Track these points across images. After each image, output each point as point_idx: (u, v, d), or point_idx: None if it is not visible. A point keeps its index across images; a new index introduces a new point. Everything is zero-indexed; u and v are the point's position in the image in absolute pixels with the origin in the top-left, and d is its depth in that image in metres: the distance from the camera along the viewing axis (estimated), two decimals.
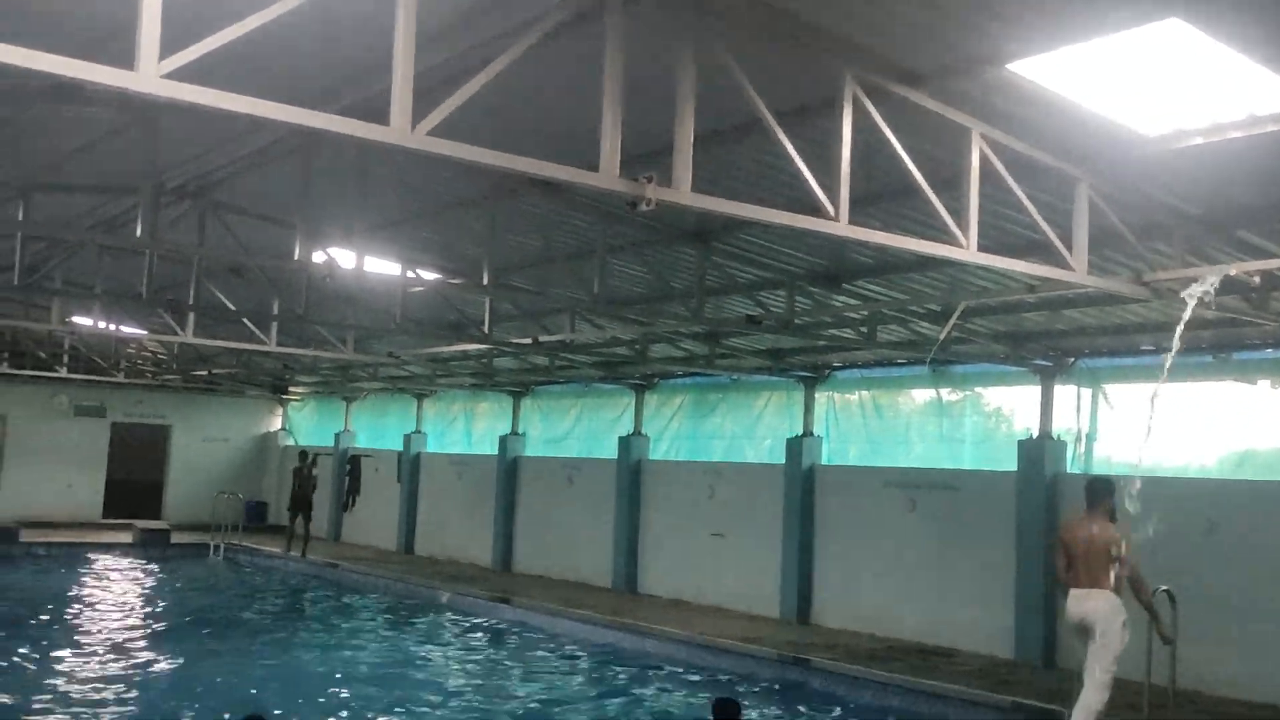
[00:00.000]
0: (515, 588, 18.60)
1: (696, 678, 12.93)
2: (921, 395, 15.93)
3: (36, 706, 10.39)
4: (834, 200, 6.69)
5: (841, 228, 6.76)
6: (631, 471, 19.50)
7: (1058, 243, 7.96)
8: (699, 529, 18.01)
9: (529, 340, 15.78)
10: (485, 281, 11.31)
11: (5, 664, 12.12)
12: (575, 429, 21.90)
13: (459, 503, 23.52)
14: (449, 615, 17.06)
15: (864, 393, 16.64)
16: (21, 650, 12.98)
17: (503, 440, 22.63)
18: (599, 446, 20.89)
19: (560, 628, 15.57)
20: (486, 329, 14.55)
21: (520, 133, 8.16)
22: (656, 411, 19.97)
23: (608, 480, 19.79)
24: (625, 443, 19.78)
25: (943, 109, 7.01)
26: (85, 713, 10.26)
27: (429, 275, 13.74)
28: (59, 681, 11.53)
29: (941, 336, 11.34)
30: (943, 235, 7.51)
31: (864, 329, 13.21)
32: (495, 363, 20.09)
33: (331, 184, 10.90)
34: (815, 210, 6.73)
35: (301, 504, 23.52)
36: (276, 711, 10.45)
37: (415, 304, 15.36)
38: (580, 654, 14.32)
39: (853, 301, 12.41)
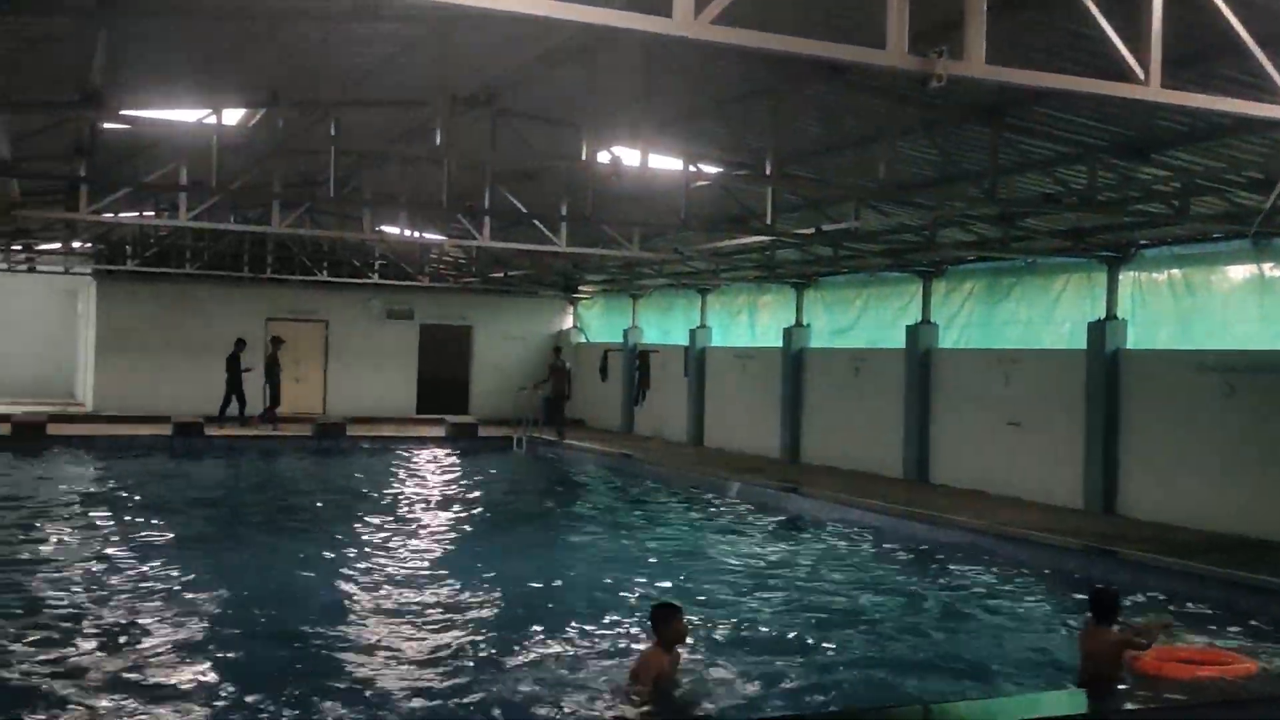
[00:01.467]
0: (804, 477, 18.73)
1: (994, 567, 12.70)
2: (1240, 272, 14.71)
3: (380, 583, 11.39)
4: (1143, 63, 6.20)
5: (1152, 92, 6.25)
6: (920, 361, 19.11)
7: None
8: (994, 418, 17.51)
9: (812, 230, 15.62)
10: (768, 172, 11.21)
11: (347, 548, 13.31)
12: (861, 319, 21.61)
13: (745, 395, 23.80)
14: (739, 504, 17.40)
15: (1174, 271, 15.54)
16: (362, 535, 14.22)
17: (787, 332, 22.64)
18: (885, 336, 20.57)
19: (852, 516, 15.60)
20: (769, 220, 14.47)
21: (802, 15, 7.98)
22: (945, 299, 19.41)
23: (896, 370, 19.50)
24: (913, 331, 19.38)
25: None
26: (418, 589, 11.16)
27: (711, 169, 13.78)
28: (392, 563, 12.58)
29: (1267, 206, 10.40)
30: (1269, 95, 6.83)
31: (1175, 202, 12.28)
32: (778, 255, 20.02)
33: (616, 83, 11.04)
34: (1122, 76, 6.26)
35: (557, 397, 25.48)
36: (574, 590, 11.06)
37: (698, 199, 15.45)
38: (873, 542, 14.32)
39: (1162, 173, 11.55)
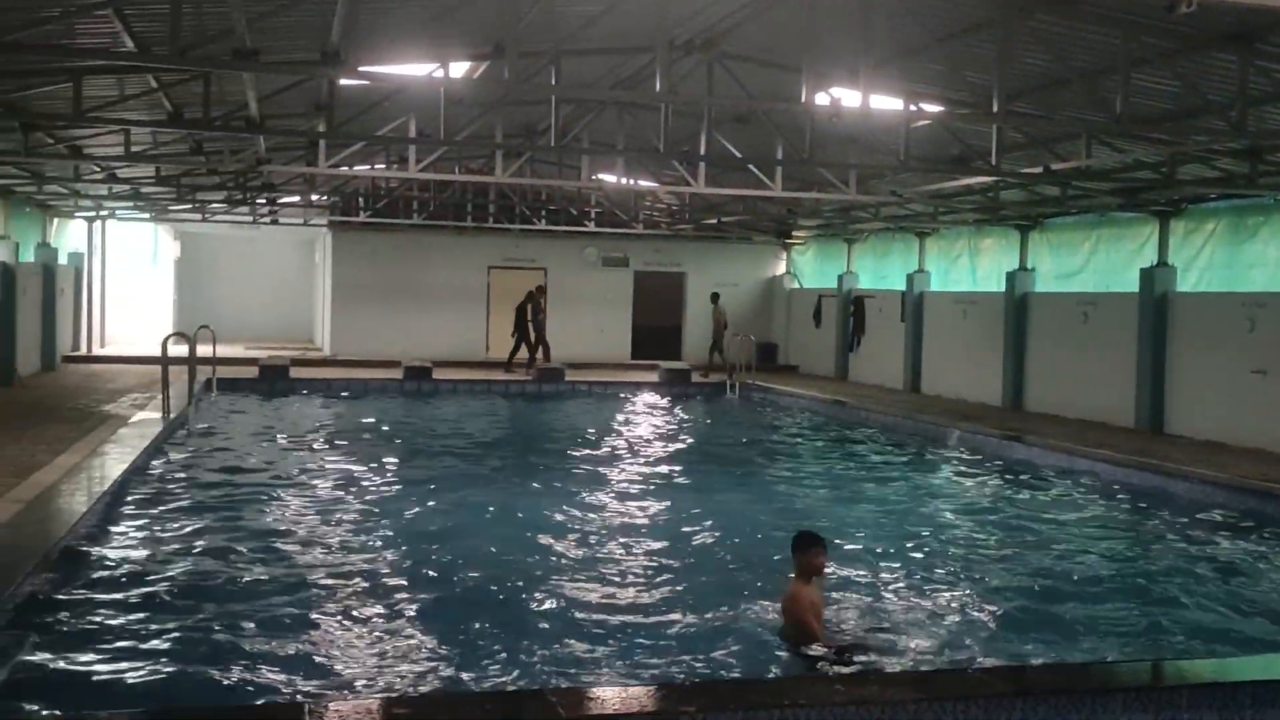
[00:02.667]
0: (1027, 426, 18.16)
1: (1241, 523, 12.04)
2: None
3: (594, 522, 11.73)
4: None
5: None
6: (1155, 305, 18.19)
7: None
8: (1236, 365, 16.54)
9: (1039, 169, 15.03)
10: (995, 109, 10.81)
11: (566, 487, 13.75)
12: (1090, 262, 20.70)
13: (964, 341, 23.20)
14: (960, 452, 17.04)
15: None
16: (582, 474, 14.66)
17: (1010, 276, 21.91)
18: (1116, 280, 19.65)
19: (1080, 466, 15.04)
20: (994, 160, 13.99)
21: None
22: (1184, 240, 18.38)
23: (1128, 315, 18.62)
24: (1148, 275, 18.45)
25: None
26: (632, 530, 11.44)
27: (933, 108, 13.42)
28: (609, 501, 12.92)
29: None
30: None
31: None
32: (1001, 196, 19.35)
33: (834, 23, 10.86)
34: None
35: (717, 340, 26.98)
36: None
37: (918, 139, 15.06)
38: (1104, 494, 13.80)
39: None
